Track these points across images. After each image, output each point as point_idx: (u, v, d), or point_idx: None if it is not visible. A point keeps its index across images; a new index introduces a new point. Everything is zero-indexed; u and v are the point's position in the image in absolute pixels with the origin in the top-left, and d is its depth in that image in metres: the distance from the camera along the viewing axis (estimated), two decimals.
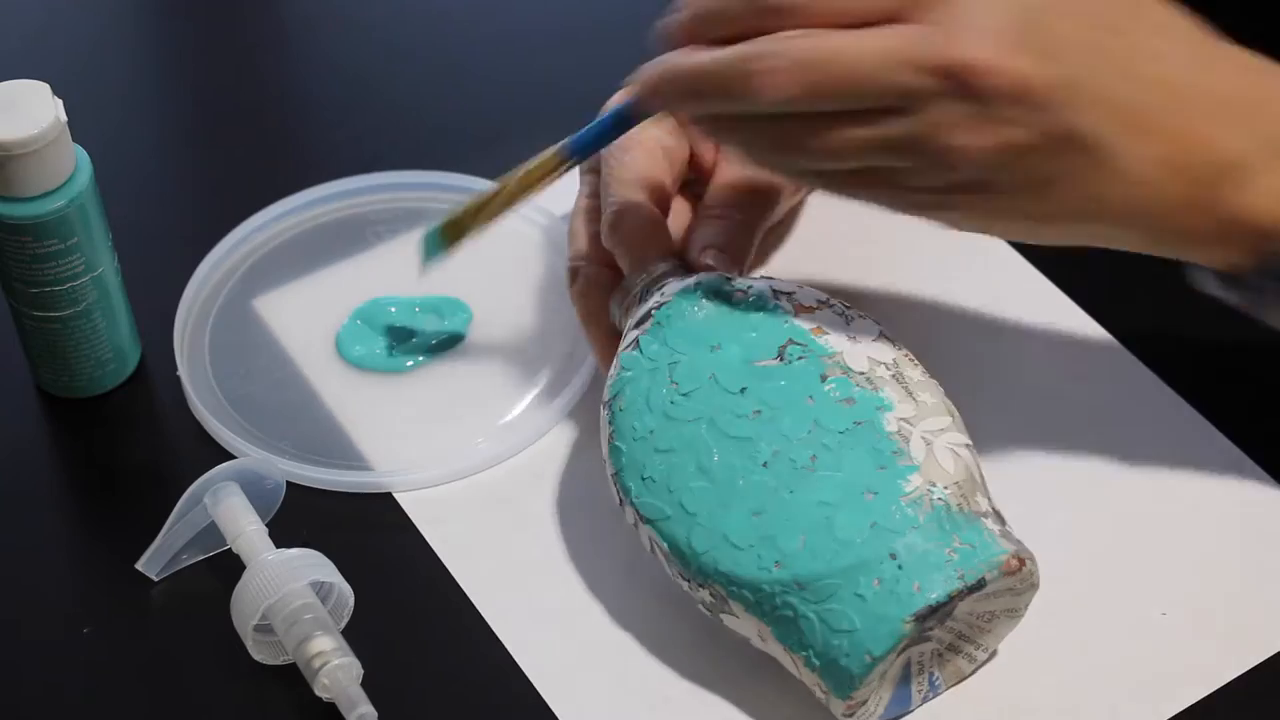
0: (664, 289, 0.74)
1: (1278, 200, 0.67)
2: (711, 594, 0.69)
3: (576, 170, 0.84)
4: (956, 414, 0.71)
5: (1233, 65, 0.68)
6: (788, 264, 0.87)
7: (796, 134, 0.66)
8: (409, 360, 0.84)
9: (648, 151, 0.79)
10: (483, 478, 0.80)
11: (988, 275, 0.86)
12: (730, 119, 0.67)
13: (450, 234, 0.76)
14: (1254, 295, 0.70)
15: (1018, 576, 0.67)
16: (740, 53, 0.64)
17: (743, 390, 0.70)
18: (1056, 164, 0.65)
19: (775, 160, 0.68)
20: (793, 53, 0.63)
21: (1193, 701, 0.71)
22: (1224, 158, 0.66)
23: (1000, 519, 0.69)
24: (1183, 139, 0.66)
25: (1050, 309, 0.85)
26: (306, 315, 0.86)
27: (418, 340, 0.85)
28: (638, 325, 0.74)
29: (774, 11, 0.64)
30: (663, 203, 0.80)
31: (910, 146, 0.65)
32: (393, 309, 0.86)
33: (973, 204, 0.67)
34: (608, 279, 0.79)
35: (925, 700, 0.71)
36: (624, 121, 0.72)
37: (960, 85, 0.63)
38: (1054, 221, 0.68)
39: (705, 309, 0.73)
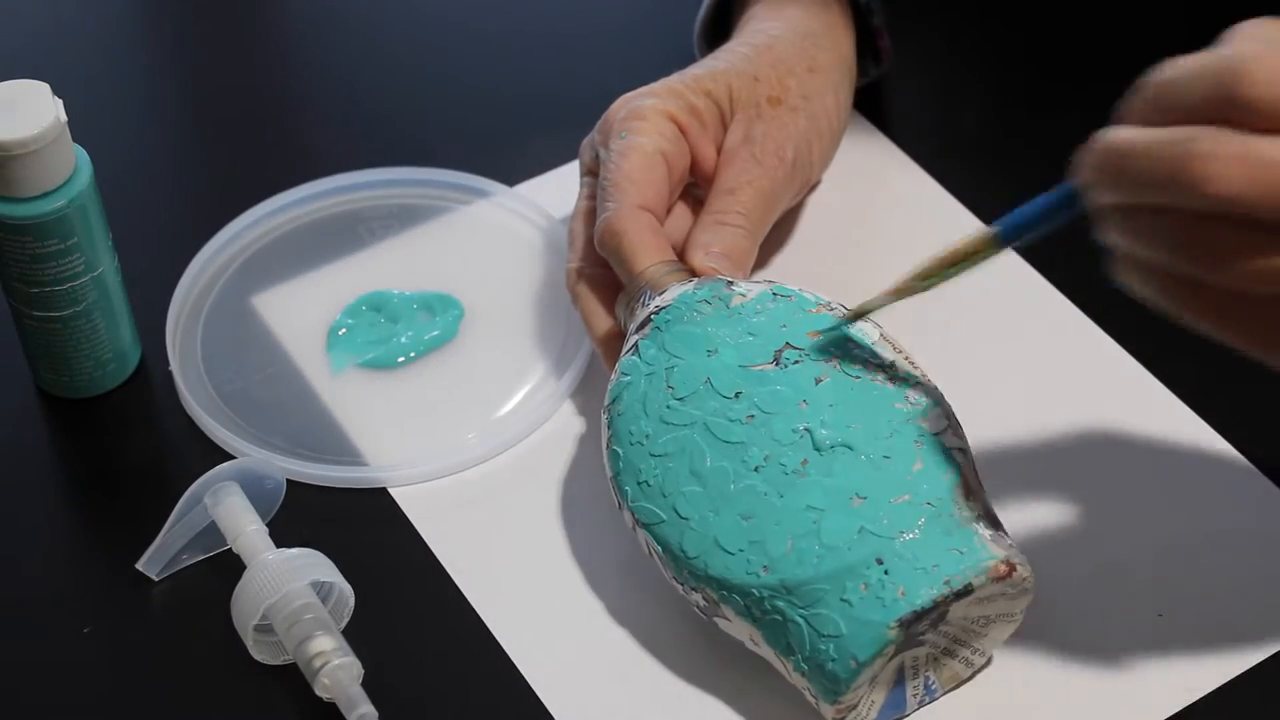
0: (664, 293, 0.75)
1: None
2: (704, 598, 0.69)
3: (577, 171, 0.84)
4: (954, 416, 0.71)
5: None
6: (788, 267, 0.87)
7: (1229, 243, 0.56)
8: (400, 356, 0.84)
9: (647, 157, 0.80)
10: (476, 473, 0.80)
11: (988, 278, 0.86)
12: (1153, 212, 0.58)
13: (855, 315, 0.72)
14: None
15: (1008, 582, 0.67)
16: (1188, 134, 0.56)
17: (737, 395, 0.70)
18: None
19: (1189, 269, 0.58)
20: (1251, 146, 0.55)
21: (1190, 703, 0.71)
22: None
23: (995, 523, 0.69)
24: None
25: (1050, 312, 0.85)
26: (300, 311, 0.86)
27: (410, 336, 0.85)
28: (638, 329, 0.74)
29: (1241, 105, 0.55)
30: (660, 209, 0.80)
31: None
32: (386, 304, 0.86)
33: None
34: (607, 280, 0.80)
35: (921, 704, 0.71)
36: (1069, 202, 0.62)
37: None
38: None
39: (704, 313, 0.73)
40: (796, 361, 0.71)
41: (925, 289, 0.68)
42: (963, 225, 0.89)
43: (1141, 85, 0.58)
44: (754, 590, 0.67)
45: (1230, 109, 0.55)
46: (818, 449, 0.68)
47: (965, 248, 0.66)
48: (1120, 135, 0.57)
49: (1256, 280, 0.56)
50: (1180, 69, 0.56)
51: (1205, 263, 0.57)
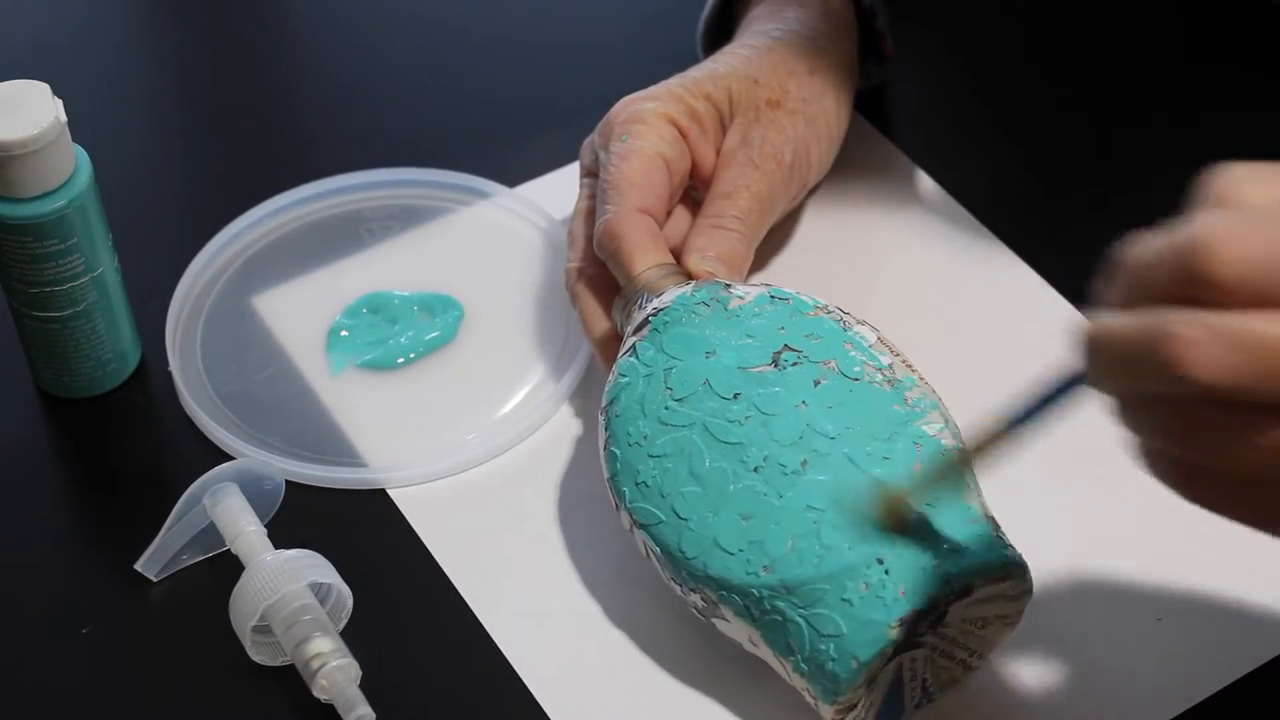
0: (662, 295, 0.75)
1: None
2: (703, 598, 0.69)
3: (577, 173, 0.84)
4: (952, 418, 0.71)
5: None
6: (785, 270, 0.87)
7: (1225, 426, 0.54)
8: (400, 357, 0.84)
9: (647, 160, 0.80)
10: (475, 474, 0.80)
11: (986, 280, 0.87)
12: (1150, 401, 0.55)
13: (893, 513, 0.67)
14: None
15: (1008, 583, 0.67)
16: (1159, 318, 0.53)
17: (736, 396, 0.70)
18: None
19: (1192, 455, 0.56)
20: (1225, 325, 0.52)
21: (1188, 707, 0.71)
22: None
23: (994, 524, 0.69)
24: None
25: (1048, 314, 0.85)
26: (300, 312, 0.86)
27: (410, 337, 0.85)
28: (636, 331, 0.74)
29: (1208, 285, 0.52)
30: (659, 212, 0.80)
31: None
32: (385, 305, 0.86)
33: None
34: (607, 280, 0.80)
35: (919, 706, 0.71)
36: (1072, 387, 0.60)
37: None
38: None
39: (702, 315, 0.73)
40: (795, 364, 0.71)
41: (949, 481, 0.67)
42: (963, 227, 0.89)
43: (1115, 265, 0.55)
44: (754, 590, 0.67)
45: (1198, 289, 0.52)
46: (817, 450, 0.68)
47: (982, 441, 0.63)
48: (1099, 323, 0.55)
49: (1260, 460, 0.54)
50: (1147, 249, 0.54)
51: (1204, 448, 0.55)
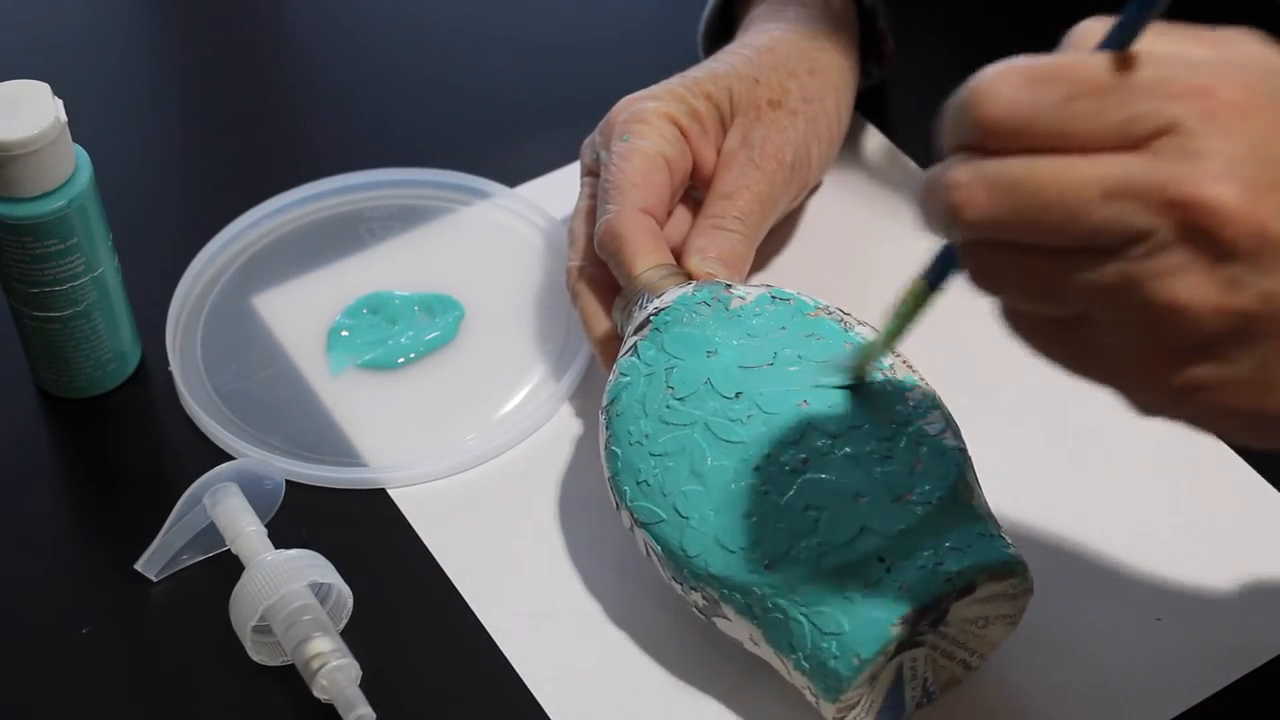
0: (663, 295, 0.75)
1: None
2: (704, 597, 0.69)
3: (577, 173, 0.85)
4: (952, 418, 0.71)
5: None
6: (786, 270, 0.87)
7: (998, 265, 0.56)
8: (400, 357, 0.84)
9: (648, 160, 0.80)
10: (475, 474, 0.80)
11: None
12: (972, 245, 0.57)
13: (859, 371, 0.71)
14: None
15: (1009, 582, 0.67)
16: (943, 170, 0.56)
17: (737, 395, 0.70)
18: None
19: (982, 289, 0.58)
20: (995, 172, 0.54)
21: (1188, 707, 0.71)
22: None
23: (995, 523, 0.69)
24: None
25: None
26: (300, 312, 0.86)
27: (410, 337, 0.85)
28: (637, 331, 0.74)
29: (976, 129, 0.55)
30: (660, 212, 0.80)
31: (1120, 293, 0.54)
32: (386, 305, 0.86)
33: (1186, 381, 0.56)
34: (607, 280, 0.80)
35: (919, 705, 0.71)
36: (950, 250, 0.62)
37: (1192, 228, 0.53)
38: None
39: (703, 315, 0.73)
40: (796, 364, 0.71)
41: (890, 346, 0.68)
42: None
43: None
44: (755, 588, 0.67)
45: (975, 135, 0.55)
46: (819, 449, 0.68)
47: (906, 300, 0.65)
48: (930, 173, 0.58)
49: (1033, 297, 0.56)
50: (948, 102, 0.57)
51: (989, 283, 0.57)
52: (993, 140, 0.55)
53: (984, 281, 0.57)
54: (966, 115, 0.55)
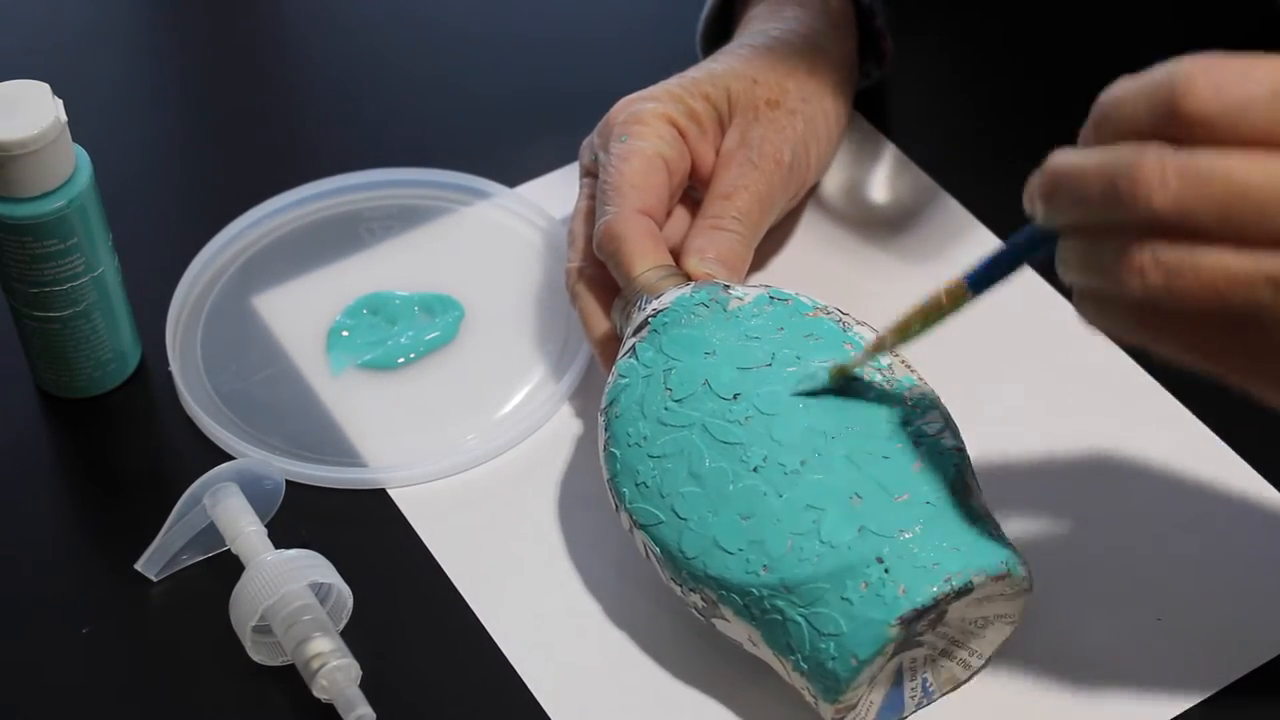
0: (662, 296, 0.75)
1: None
2: (703, 598, 0.69)
3: (577, 173, 0.85)
4: (951, 418, 0.71)
5: None
6: (784, 270, 0.87)
7: (1168, 255, 0.55)
8: (400, 357, 0.84)
9: (647, 160, 0.80)
10: (475, 474, 0.80)
11: None
12: (1102, 234, 0.57)
13: (838, 374, 0.70)
14: None
15: (1008, 582, 0.67)
16: (1131, 150, 0.55)
17: (735, 396, 0.70)
18: None
19: (1123, 288, 0.57)
20: (1192, 160, 0.54)
21: (1188, 708, 0.71)
22: None
23: (993, 523, 0.69)
24: None
25: (1047, 313, 0.85)
26: (300, 312, 0.86)
27: (410, 337, 0.85)
28: (635, 333, 0.74)
29: (1183, 119, 0.55)
30: (659, 213, 0.80)
31: None
32: (386, 305, 0.86)
33: None
34: (607, 280, 0.80)
35: (919, 706, 0.71)
36: (1033, 244, 0.62)
37: None
38: None
39: (702, 316, 0.73)
40: (794, 364, 0.71)
41: (903, 343, 0.69)
42: (963, 227, 0.89)
43: (1095, 108, 0.58)
44: (754, 589, 0.67)
45: (1173, 123, 0.55)
46: (817, 449, 0.68)
47: (939, 300, 0.66)
48: (1066, 158, 0.58)
49: (1200, 294, 0.56)
50: (1124, 88, 0.57)
51: (1153, 281, 0.56)
52: (1196, 131, 0.55)
53: (1148, 278, 0.56)
54: (1167, 103, 0.55)
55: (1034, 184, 0.59)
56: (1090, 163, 0.57)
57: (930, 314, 0.67)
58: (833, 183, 0.90)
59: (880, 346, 0.70)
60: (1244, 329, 0.56)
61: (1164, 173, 0.54)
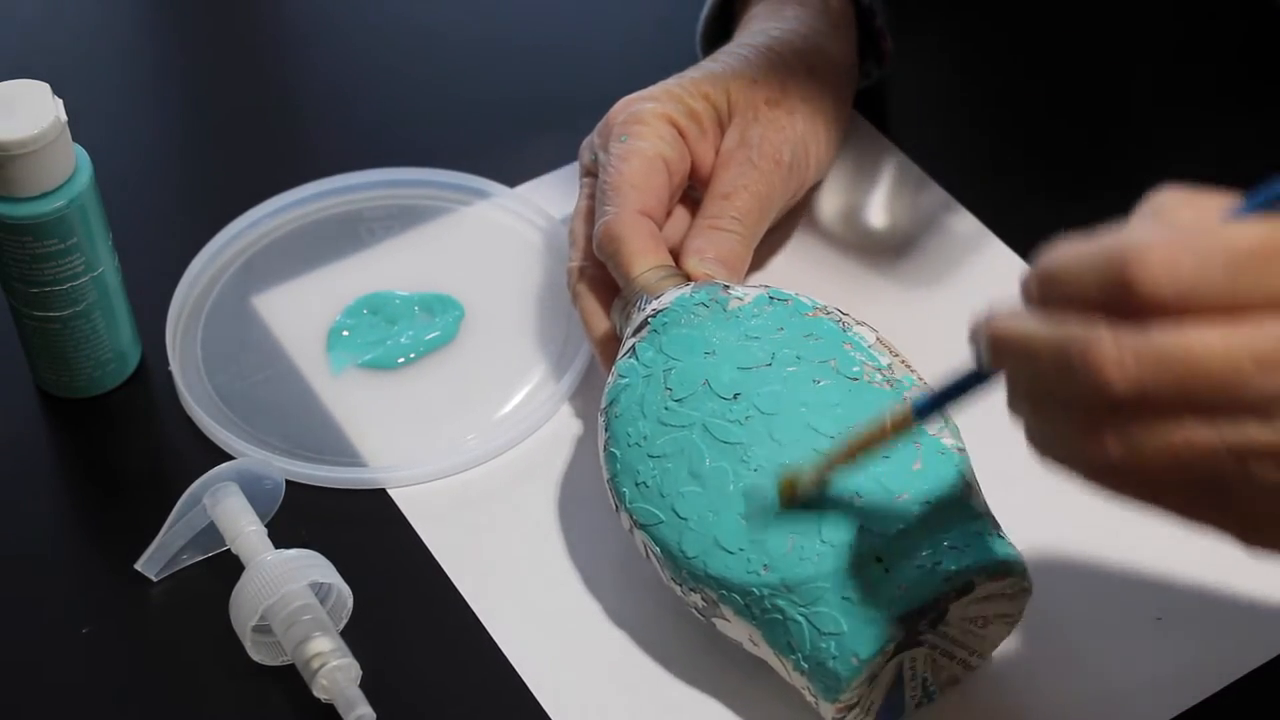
0: (661, 296, 0.75)
1: None
2: (703, 598, 0.69)
3: (576, 173, 0.85)
4: (951, 418, 0.71)
5: None
6: (784, 270, 0.87)
7: (1129, 430, 0.54)
8: (400, 357, 0.84)
9: (647, 161, 0.80)
10: (476, 474, 0.80)
11: (984, 280, 0.87)
12: (1045, 394, 0.56)
13: (787, 490, 0.68)
14: None
15: (1009, 581, 0.67)
16: (1083, 331, 0.54)
17: (736, 396, 0.70)
18: None
19: (1082, 454, 0.56)
20: (1144, 342, 0.53)
21: (1188, 707, 0.71)
22: None
23: (994, 523, 0.69)
24: None
25: None
26: (300, 312, 0.86)
27: (410, 337, 0.85)
28: (635, 333, 0.74)
29: (1134, 299, 0.53)
30: (659, 213, 0.80)
31: (1273, 456, 0.54)
32: (386, 305, 0.86)
33: None
34: (608, 280, 0.80)
35: (919, 706, 0.71)
36: (975, 380, 0.61)
37: None
38: None
39: (701, 316, 0.73)
40: (794, 364, 0.71)
41: (847, 467, 0.67)
42: (964, 227, 0.89)
43: (1037, 262, 0.56)
44: (754, 589, 0.67)
45: (1125, 301, 0.53)
46: (817, 449, 0.68)
47: (884, 427, 0.65)
48: (1009, 321, 0.56)
49: (1165, 464, 0.55)
50: (1073, 255, 0.55)
51: (1109, 448, 0.55)
52: (1148, 308, 0.53)
53: (1109, 450, 0.55)
54: (1119, 281, 0.53)
55: (980, 333, 0.57)
56: (1040, 335, 0.55)
57: (874, 440, 0.65)
58: (833, 183, 0.90)
59: (825, 470, 0.67)
60: (1206, 492, 0.55)
61: (1121, 356, 0.53)
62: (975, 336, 0.58)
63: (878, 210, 0.90)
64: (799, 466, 0.68)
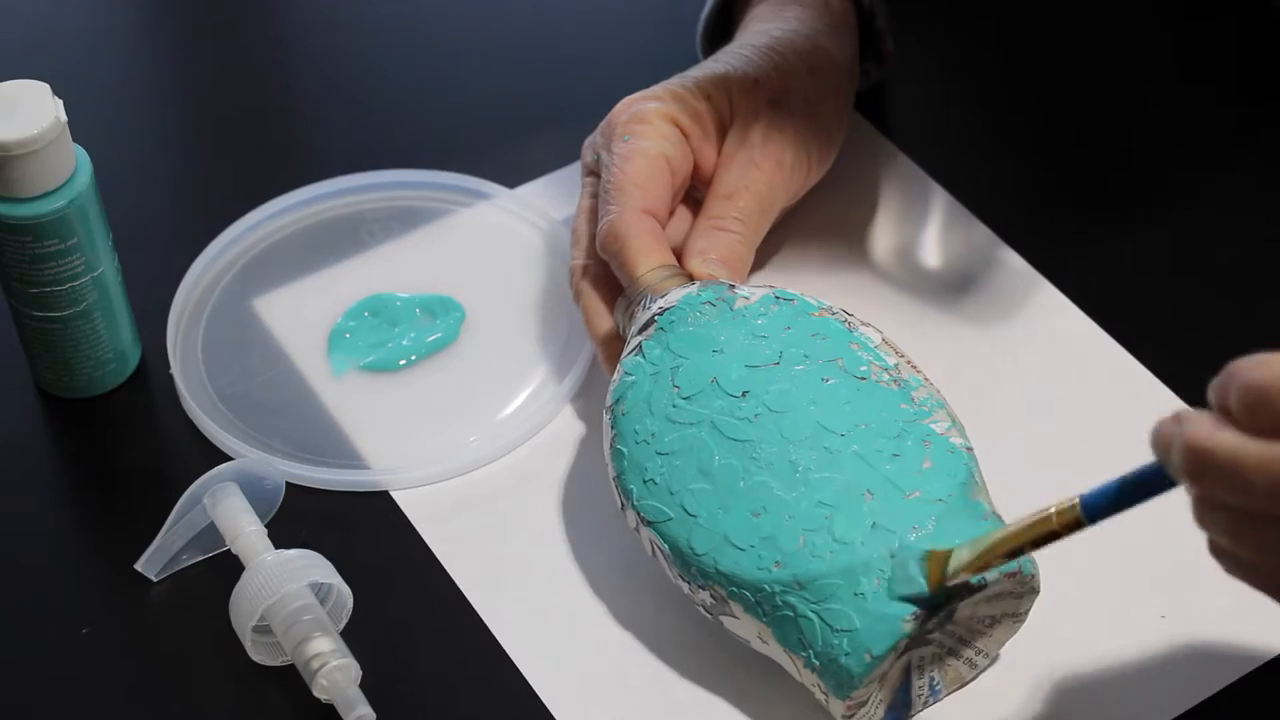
0: (667, 295, 0.75)
1: None
2: (712, 595, 0.69)
3: (578, 174, 0.84)
4: (957, 417, 0.71)
5: None
6: (786, 269, 0.87)
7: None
8: (402, 359, 0.84)
9: (650, 160, 0.80)
10: (477, 476, 0.80)
11: (989, 280, 0.87)
12: (1252, 519, 0.56)
13: (935, 572, 0.66)
14: None
15: (1017, 580, 0.67)
16: None
17: (744, 394, 0.70)
18: None
19: (1262, 560, 0.56)
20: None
21: (1194, 704, 0.71)
22: None
23: (1000, 522, 0.69)
24: None
25: (1052, 312, 0.85)
26: (301, 314, 0.86)
27: (412, 338, 0.85)
28: (641, 331, 0.74)
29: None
30: (662, 212, 0.80)
31: None
32: (387, 307, 0.86)
33: None
34: (611, 279, 0.80)
35: (925, 705, 0.71)
36: (1157, 486, 0.59)
37: None
38: None
39: (708, 315, 0.73)
40: (802, 363, 0.71)
41: (1008, 558, 0.64)
42: (964, 227, 0.89)
43: (1230, 376, 0.54)
44: (765, 586, 0.67)
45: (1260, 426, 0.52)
46: (828, 447, 0.69)
47: (1049, 523, 0.62)
48: (1223, 441, 0.54)
49: None
50: (1275, 373, 0.53)
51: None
52: None
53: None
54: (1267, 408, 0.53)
55: (1172, 441, 0.56)
56: (1250, 454, 0.54)
57: (1038, 534, 0.62)
58: (833, 183, 0.90)
59: (983, 562, 0.65)
60: None
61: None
62: (1164, 443, 0.56)
63: (878, 210, 0.90)
64: (950, 548, 0.66)
